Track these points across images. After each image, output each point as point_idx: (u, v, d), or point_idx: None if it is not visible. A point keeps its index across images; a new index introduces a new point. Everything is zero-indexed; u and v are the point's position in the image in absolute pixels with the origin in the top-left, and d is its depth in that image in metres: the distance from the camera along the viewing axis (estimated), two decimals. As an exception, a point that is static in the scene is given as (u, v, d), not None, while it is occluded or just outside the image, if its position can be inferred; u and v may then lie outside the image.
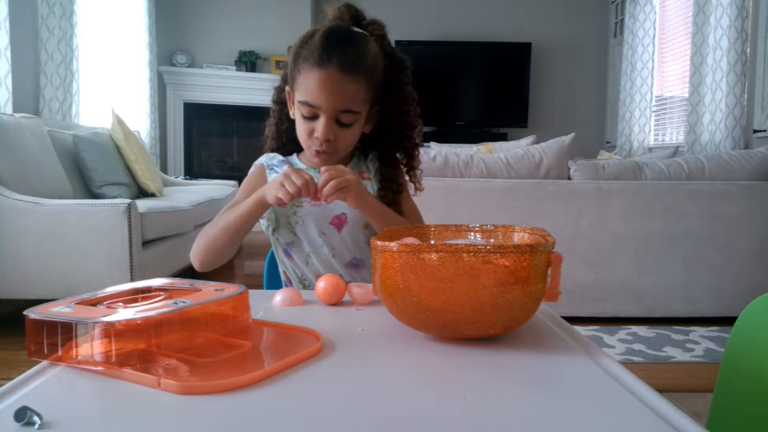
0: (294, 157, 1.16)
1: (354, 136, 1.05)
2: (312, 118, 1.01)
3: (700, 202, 2.60)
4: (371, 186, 1.13)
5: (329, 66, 0.96)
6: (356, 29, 1.03)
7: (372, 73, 1.01)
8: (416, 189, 1.17)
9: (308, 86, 0.98)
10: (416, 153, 1.13)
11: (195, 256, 1.06)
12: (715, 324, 2.59)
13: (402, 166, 1.14)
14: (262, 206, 1.01)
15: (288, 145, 1.16)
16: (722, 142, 3.57)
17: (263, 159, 1.15)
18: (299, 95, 1.00)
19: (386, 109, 1.08)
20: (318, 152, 1.04)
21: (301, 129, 1.04)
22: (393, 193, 1.11)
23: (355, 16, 1.05)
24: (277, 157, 1.14)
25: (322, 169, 0.95)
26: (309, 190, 0.92)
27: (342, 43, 0.98)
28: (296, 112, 1.04)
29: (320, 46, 0.97)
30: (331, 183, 0.92)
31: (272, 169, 1.13)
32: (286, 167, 1.09)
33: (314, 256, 1.10)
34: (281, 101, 1.12)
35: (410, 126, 1.10)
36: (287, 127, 1.13)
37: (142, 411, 0.49)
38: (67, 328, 0.56)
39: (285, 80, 1.11)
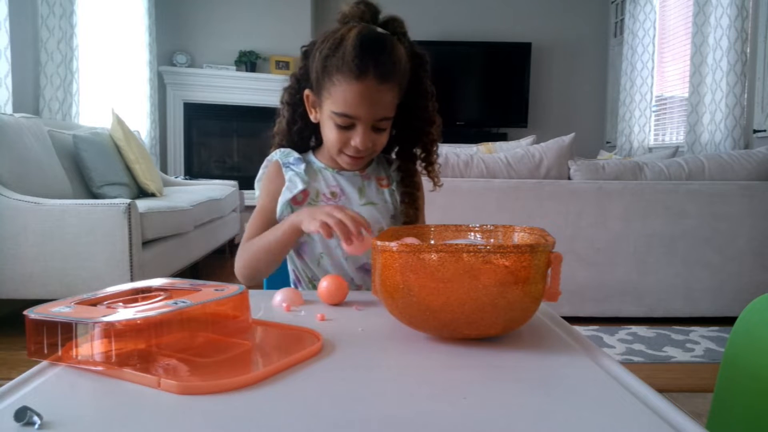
0: (311, 155, 1.15)
1: (386, 137, 1.06)
2: (347, 127, 1.01)
3: (700, 202, 2.60)
4: (388, 193, 1.13)
5: (367, 78, 0.95)
6: (383, 31, 1.01)
7: (403, 77, 1.01)
8: (435, 185, 1.17)
9: (346, 98, 0.97)
10: (434, 149, 1.13)
11: (240, 272, 1.08)
12: (715, 324, 2.59)
13: (420, 161, 1.14)
14: (296, 233, 1.00)
15: (299, 143, 1.15)
16: (722, 142, 3.57)
17: (277, 155, 1.12)
18: (334, 106, 0.99)
19: (406, 105, 1.07)
20: (354, 158, 1.05)
21: (333, 137, 1.03)
22: (413, 189, 1.12)
23: (374, 12, 1.02)
24: (293, 155, 1.12)
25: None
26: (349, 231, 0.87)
27: (377, 51, 0.96)
28: (326, 121, 1.03)
29: (356, 56, 0.94)
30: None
31: (288, 167, 1.10)
32: (303, 166, 1.10)
33: (327, 258, 1.09)
34: (294, 103, 1.10)
35: (429, 121, 1.11)
36: (300, 127, 1.12)
37: (142, 411, 0.49)
38: (67, 328, 0.56)
39: (299, 81, 1.09)
